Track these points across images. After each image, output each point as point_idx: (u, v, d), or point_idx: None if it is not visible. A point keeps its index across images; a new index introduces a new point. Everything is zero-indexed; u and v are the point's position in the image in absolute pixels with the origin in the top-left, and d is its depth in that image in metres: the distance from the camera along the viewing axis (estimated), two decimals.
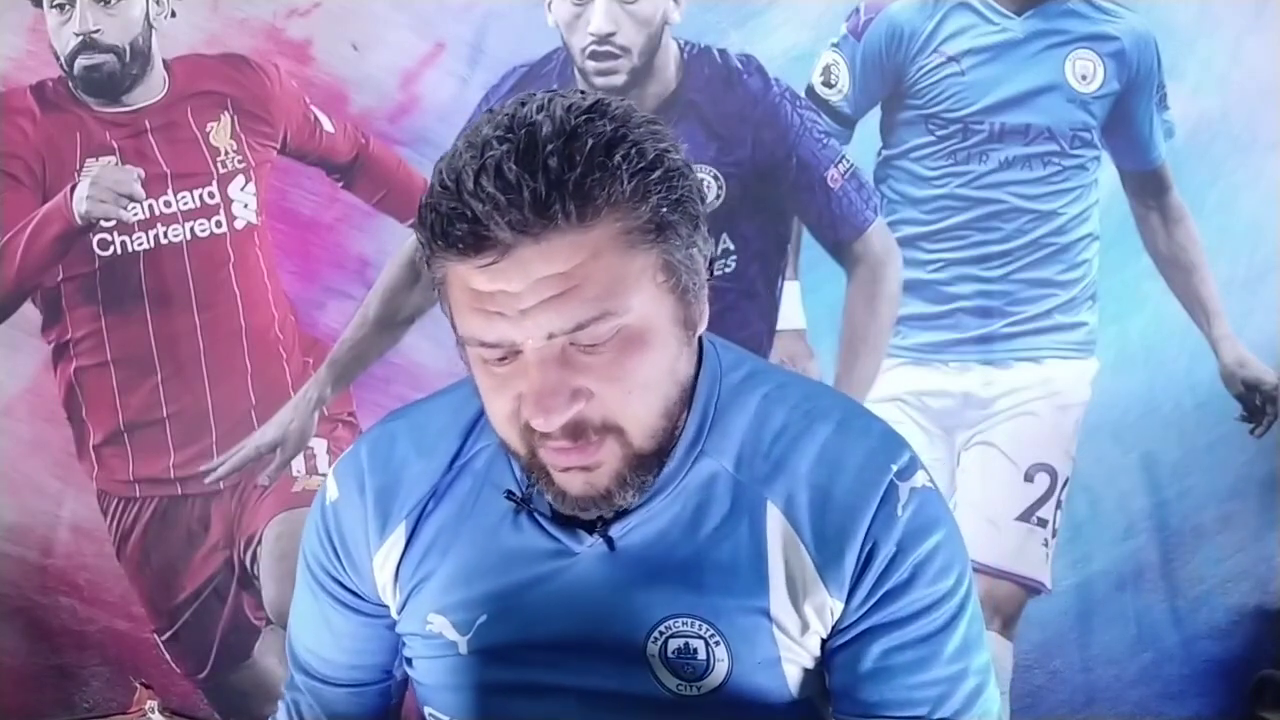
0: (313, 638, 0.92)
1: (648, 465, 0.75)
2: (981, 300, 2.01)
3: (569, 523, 0.80)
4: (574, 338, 0.68)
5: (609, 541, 0.80)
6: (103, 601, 2.07)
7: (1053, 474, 2.04)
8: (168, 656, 2.08)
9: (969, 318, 2.02)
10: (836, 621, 0.79)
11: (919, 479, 0.79)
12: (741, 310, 1.93)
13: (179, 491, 2.03)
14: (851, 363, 1.98)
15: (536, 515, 0.81)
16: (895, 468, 0.78)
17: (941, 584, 0.78)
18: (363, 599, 0.88)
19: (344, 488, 0.87)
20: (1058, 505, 2.05)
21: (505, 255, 0.66)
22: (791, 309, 2.01)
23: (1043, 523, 2.04)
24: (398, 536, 0.85)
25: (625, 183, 0.66)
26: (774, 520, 0.78)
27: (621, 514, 0.79)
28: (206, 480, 2.02)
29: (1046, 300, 2.01)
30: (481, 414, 0.83)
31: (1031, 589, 2.06)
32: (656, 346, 0.71)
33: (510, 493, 0.81)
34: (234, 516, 2.04)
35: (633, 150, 0.67)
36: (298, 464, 2.03)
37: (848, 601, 0.78)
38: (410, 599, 0.85)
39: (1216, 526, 2.11)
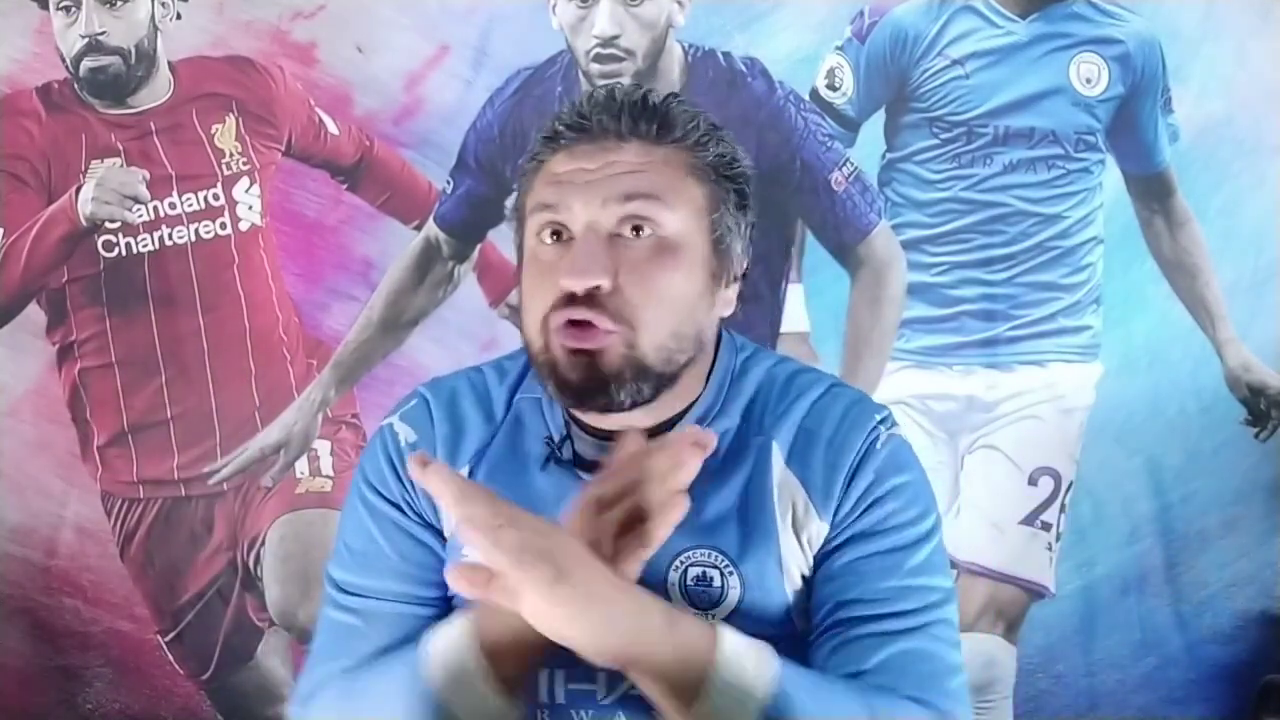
0: (375, 571, 0.92)
1: (648, 377, 0.84)
2: (985, 304, 2.01)
3: (595, 468, 0.87)
4: (626, 211, 0.82)
5: None
6: (106, 602, 2.07)
7: (1056, 478, 2.03)
8: (171, 658, 2.08)
9: (973, 321, 2.02)
10: (825, 540, 0.88)
11: (897, 430, 0.92)
12: (745, 313, 1.90)
13: (183, 493, 2.03)
14: (855, 366, 1.98)
15: (565, 460, 0.91)
16: (879, 417, 0.91)
17: (909, 511, 0.88)
18: (430, 525, 0.93)
19: (420, 430, 0.96)
20: (1061, 509, 2.05)
21: (595, 145, 0.84)
22: (795, 312, 2.01)
23: (1046, 526, 2.04)
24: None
25: (698, 129, 0.86)
26: (777, 459, 0.90)
27: None
28: (210, 482, 2.02)
29: (1051, 304, 2.01)
30: (524, 374, 0.96)
31: (1035, 593, 2.05)
32: (683, 269, 0.84)
33: (549, 438, 0.91)
34: (237, 518, 2.04)
35: (705, 119, 0.88)
36: (301, 465, 2.04)
37: (834, 519, 0.88)
38: (456, 534, 0.91)
39: (1221, 531, 2.11)
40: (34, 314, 1.98)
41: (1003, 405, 2.03)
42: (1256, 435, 2.08)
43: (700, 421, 0.90)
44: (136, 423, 2.00)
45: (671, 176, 0.84)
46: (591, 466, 0.89)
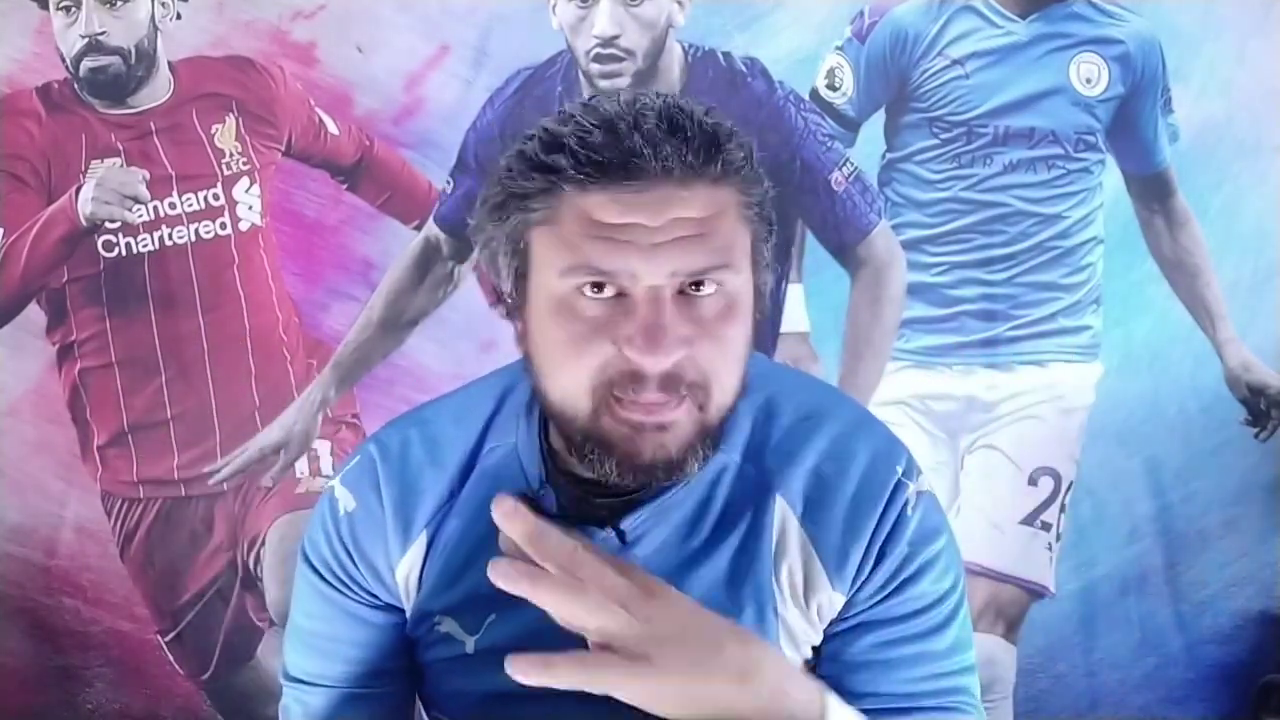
0: (324, 654, 0.87)
1: (711, 438, 0.75)
2: (985, 304, 2.01)
3: (580, 521, 0.79)
4: (693, 278, 0.71)
5: (620, 536, 0.80)
6: (106, 602, 2.07)
7: (1056, 478, 2.03)
8: (171, 658, 2.08)
9: (973, 321, 2.02)
10: (839, 613, 0.80)
11: (923, 482, 0.82)
12: None
13: (183, 493, 2.03)
14: (855, 366, 1.98)
15: (547, 514, 0.80)
16: (900, 469, 0.81)
17: (942, 584, 0.80)
18: (381, 604, 0.87)
19: (361, 498, 0.86)
20: (1061, 509, 2.05)
21: (649, 190, 0.69)
22: (795, 312, 2.01)
23: (1046, 526, 2.04)
24: (420, 544, 0.84)
25: (749, 162, 0.73)
26: (781, 513, 0.80)
27: (633, 507, 0.79)
28: (210, 482, 2.02)
29: (1051, 304, 2.01)
30: (493, 416, 0.85)
31: (1035, 593, 2.05)
32: (745, 321, 0.74)
33: (529, 493, 0.81)
34: (237, 518, 2.04)
35: (748, 144, 0.74)
36: (301, 465, 2.03)
37: (854, 594, 0.80)
38: (425, 601, 0.85)
39: (1221, 531, 2.11)
40: (34, 314, 1.98)
41: (1003, 405, 2.03)
42: (1256, 435, 2.08)
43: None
44: (136, 423, 2.00)
45: (732, 229, 0.72)
46: (577, 520, 0.79)
